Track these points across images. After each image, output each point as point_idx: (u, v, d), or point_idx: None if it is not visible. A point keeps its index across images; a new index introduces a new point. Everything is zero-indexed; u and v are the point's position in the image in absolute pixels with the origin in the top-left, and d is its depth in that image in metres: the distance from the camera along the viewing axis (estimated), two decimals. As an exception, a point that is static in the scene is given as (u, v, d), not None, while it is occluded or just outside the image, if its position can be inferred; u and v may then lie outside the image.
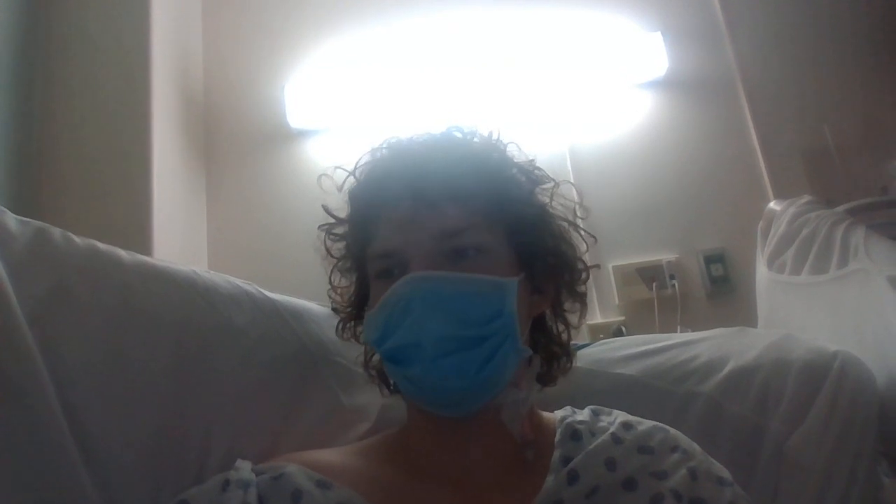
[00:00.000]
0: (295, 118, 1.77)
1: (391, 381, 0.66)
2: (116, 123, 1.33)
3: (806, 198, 1.09)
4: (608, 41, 1.82)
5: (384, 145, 0.65)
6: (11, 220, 0.57)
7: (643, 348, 0.84)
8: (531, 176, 0.65)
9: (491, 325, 0.55)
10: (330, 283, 0.68)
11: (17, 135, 1.23)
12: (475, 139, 0.64)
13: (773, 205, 1.14)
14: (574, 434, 0.61)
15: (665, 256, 1.70)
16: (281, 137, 1.80)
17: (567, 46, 1.81)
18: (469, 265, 0.56)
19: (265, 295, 0.72)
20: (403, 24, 1.88)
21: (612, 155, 1.78)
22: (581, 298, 0.67)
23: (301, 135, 1.80)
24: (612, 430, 0.61)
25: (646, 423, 0.63)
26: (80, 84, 1.34)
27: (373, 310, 0.59)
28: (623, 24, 1.87)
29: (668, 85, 1.83)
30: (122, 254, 0.64)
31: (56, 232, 0.60)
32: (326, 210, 0.67)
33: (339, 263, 0.68)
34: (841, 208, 1.11)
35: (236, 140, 1.80)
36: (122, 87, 1.35)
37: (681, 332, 1.48)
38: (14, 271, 0.52)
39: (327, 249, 0.68)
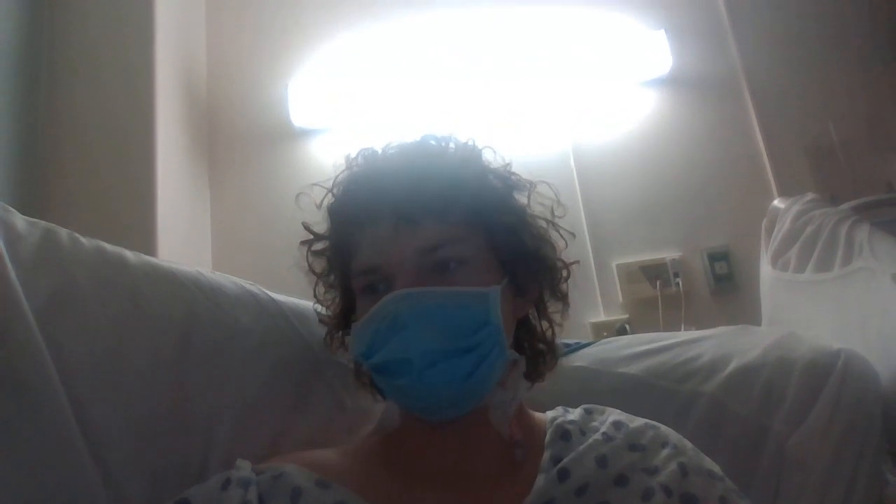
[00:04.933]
0: (298, 117, 1.77)
1: None
2: (120, 124, 1.34)
3: (810, 195, 1.09)
4: (612, 39, 1.82)
5: (360, 159, 0.66)
6: (19, 220, 0.58)
7: (646, 347, 0.84)
8: (507, 181, 0.66)
9: (477, 335, 0.56)
10: (315, 295, 0.69)
11: (22, 136, 1.24)
12: (451, 146, 0.65)
13: (777, 202, 1.14)
14: (564, 434, 0.62)
15: (669, 254, 1.70)
16: (284, 137, 1.80)
17: (571, 45, 1.81)
18: (451, 278, 0.57)
19: (269, 296, 0.73)
20: (407, 23, 1.88)
21: (615, 153, 1.78)
22: (563, 297, 0.68)
23: (304, 134, 1.80)
24: (602, 429, 0.62)
25: (637, 421, 0.64)
26: (85, 85, 1.34)
27: (359, 324, 0.60)
28: (627, 22, 1.87)
29: (672, 83, 1.83)
30: (128, 254, 0.65)
31: (63, 233, 0.60)
32: (307, 228, 0.69)
33: (323, 277, 0.69)
34: (845, 206, 1.10)
35: (240, 140, 1.81)
36: (126, 87, 1.36)
37: (685, 330, 1.48)
38: (22, 271, 0.53)
39: (309, 265, 0.69)
